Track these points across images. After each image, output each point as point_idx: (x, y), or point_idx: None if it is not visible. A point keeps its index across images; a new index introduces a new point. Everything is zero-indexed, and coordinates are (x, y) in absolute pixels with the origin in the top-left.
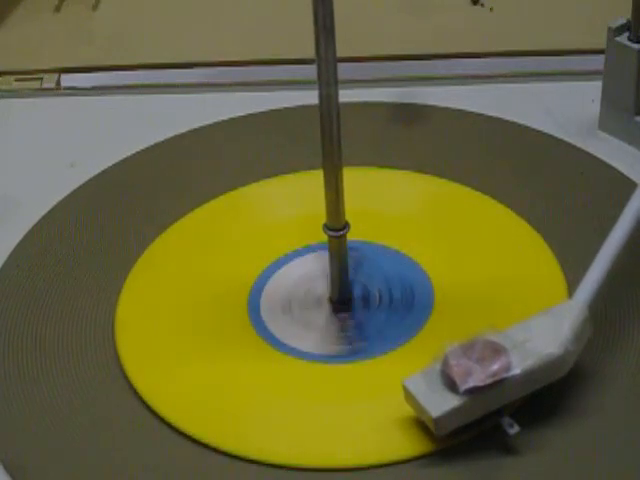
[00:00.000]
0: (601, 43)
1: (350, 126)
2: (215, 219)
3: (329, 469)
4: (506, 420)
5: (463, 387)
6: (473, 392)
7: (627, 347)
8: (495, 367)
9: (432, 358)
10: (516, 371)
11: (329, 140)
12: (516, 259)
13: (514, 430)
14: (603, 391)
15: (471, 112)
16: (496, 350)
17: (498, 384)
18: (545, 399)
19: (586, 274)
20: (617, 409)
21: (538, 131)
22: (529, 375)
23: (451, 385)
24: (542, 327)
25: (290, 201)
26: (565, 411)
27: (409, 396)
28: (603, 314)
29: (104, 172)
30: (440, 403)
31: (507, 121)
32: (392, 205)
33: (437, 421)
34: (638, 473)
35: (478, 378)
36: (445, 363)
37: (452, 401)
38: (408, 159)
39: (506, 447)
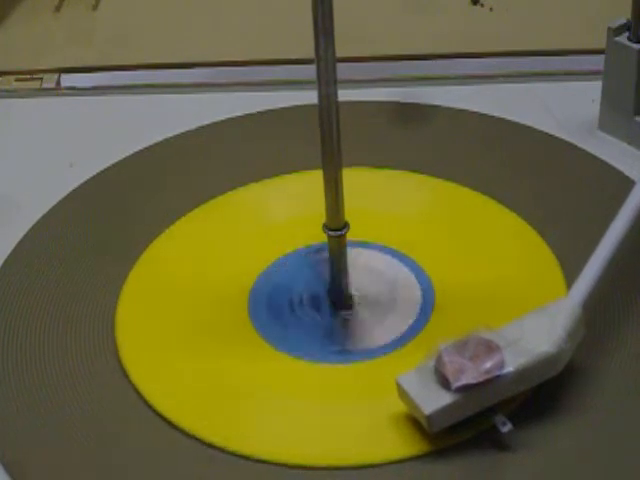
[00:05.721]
0: (601, 43)
1: (350, 126)
2: (215, 219)
3: (326, 468)
4: (499, 418)
5: (456, 384)
6: (466, 389)
7: (624, 346)
8: (488, 365)
9: (426, 356)
10: (509, 369)
11: (329, 140)
12: (516, 259)
13: (507, 428)
14: (601, 390)
15: (471, 112)
16: (489, 348)
17: (491, 382)
18: (543, 398)
19: (581, 273)
20: (615, 408)
21: (538, 131)
22: (522, 373)
23: (444, 382)
24: (536, 325)
25: (290, 201)
26: (563, 410)
27: (403, 393)
28: (599, 313)
29: (104, 172)
30: (433, 400)
31: (507, 121)
32: (392, 205)
33: (430, 418)
34: (636, 472)
35: (471, 376)
36: (438, 360)
37: (445, 398)
38: (408, 159)
39: (502, 446)
